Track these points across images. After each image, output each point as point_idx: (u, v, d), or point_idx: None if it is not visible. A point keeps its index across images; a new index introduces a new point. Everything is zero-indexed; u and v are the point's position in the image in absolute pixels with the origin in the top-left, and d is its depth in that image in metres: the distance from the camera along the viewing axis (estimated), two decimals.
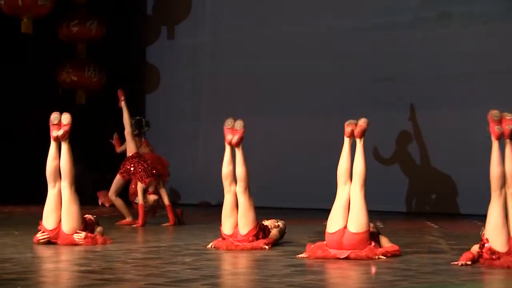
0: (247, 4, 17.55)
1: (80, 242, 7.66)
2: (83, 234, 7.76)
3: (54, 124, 8.16)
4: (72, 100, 17.23)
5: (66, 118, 8.18)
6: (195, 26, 18.41)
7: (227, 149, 7.93)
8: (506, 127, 6.50)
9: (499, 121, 6.56)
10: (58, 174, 8.04)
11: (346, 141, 7.29)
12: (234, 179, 7.89)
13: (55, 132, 8.07)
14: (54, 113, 8.25)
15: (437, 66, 15.25)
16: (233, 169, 7.94)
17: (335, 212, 6.85)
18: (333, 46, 16.34)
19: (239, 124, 7.94)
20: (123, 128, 11.34)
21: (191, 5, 18.48)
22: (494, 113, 6.59)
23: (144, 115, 13.94)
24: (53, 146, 8.13)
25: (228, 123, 8.00)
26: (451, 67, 15.13)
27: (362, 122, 7.27)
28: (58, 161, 8.05)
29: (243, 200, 7.70)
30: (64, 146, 8.07)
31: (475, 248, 6.37)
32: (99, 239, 7.88)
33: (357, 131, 7.21)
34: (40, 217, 8.05)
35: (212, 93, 18.17)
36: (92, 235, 7.87)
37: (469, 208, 14.59)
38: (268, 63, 17.09)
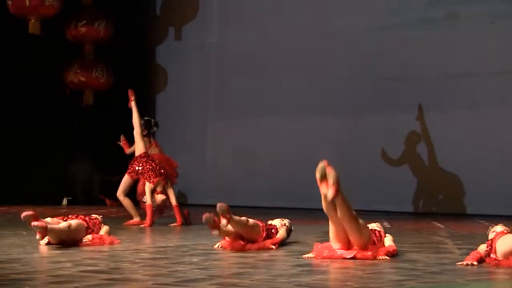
0: (253, 5, 17.59)
1: (88, 243, 7.68)
2: (90, 236, 7.78)
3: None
4: (80, 100, 17.27)
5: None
6: (202, 26, 18.45)
7: None
8: None
9: None
10: None
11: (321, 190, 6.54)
12: None
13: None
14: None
15: (444, 66, 15.27)
16: None
17: (333, 237, 6.72)
18: (341, 46, 16.37)
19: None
20: (131, 129, 11.34)
21: (198, 6, 18.53)
22: None
23: (154, 115, 13.97)
24: None
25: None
26: (458, 67, 15.13)
27: (333, 181, 6.42)
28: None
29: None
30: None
31: (482, 248, 6.37)
32: (106, 239, 7.88)
33: (330, 196, 6.35)
34: (45, 217, 8.01)
35: (219, 93, 18.20)
36: (98, 235, 7.87)
37: (476, 208, 14.60)
38: (274, 63, 17.12)
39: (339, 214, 6.54)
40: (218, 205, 7.11)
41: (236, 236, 7.43)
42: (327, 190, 6.30)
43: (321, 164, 6.56)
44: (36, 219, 7.10)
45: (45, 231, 7.16)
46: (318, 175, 6.41)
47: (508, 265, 6.08)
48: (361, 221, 6.64)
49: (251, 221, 7.60)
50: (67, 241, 7.58)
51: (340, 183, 6.39)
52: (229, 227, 7.31)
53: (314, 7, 16.68)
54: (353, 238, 6.64)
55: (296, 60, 16.85)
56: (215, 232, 7.06)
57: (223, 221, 7.08)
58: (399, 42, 15.68)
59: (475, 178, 14.90)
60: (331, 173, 6.49)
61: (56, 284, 5.11)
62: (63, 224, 7.57)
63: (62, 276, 5.46)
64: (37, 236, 7.40)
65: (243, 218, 7.53)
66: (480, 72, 14.95)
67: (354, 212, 6.60)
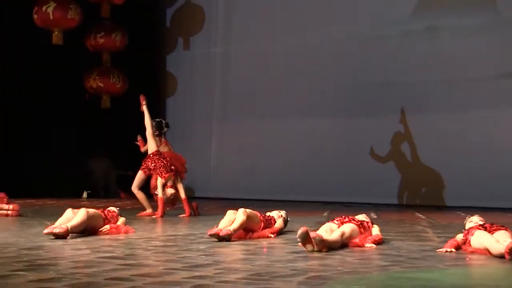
0: (255, 18, 17.58)
1: (106, 232, 7.68)
2: (108, 226, 7.78)
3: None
4: (98, 104, 17.28)
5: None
6: (208, 37, 18.45)
7: None
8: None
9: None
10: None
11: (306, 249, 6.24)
12: None
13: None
14: None
15: (425, 74, 15.29)
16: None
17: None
18: (333, 55, 16.39)
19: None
20: (144, 129, 11.37)
21: (205, 19, 18.52)
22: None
23: (164, 117, 13.98)
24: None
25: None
26: (438, 75, 15.17)
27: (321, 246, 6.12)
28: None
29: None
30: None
31: (459, 236, 6.38)
32: (122, 228, 7.89)
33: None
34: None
35: (224, 97, 18.21)
36: (115, 225, 7.88)
37: (454, 201, 14.64)
38: (274, 70, 17.14)
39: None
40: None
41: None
42: (312, 248, 6.10)
43: (301, 231, 6.07)
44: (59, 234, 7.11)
45: (67, 233, 7.17)
46: (300, 240, 6.06)
47: (481, 253, 6.09)
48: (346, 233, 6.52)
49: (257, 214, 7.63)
50: (87, 229, 7.59)
51: (324, 242, 6.06)
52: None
53: (309, 21, 16.68)
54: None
55: (294, 68, 16.87)
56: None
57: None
58: (384, 52, 15.69)
59: (453, 174, 14.93)
60: (317, 238, 6.07)
61: (76, 269, 5.11)
62: (81, 213, 7.53)
63: (82, 262, 5.47)
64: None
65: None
66: (458, 79, 14.96)
67: (343, 235, 6.46)
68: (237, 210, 7.37)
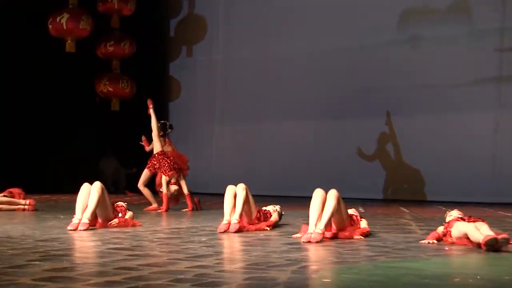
0: (253, 28, 17.59)
1: (115, 225, 7.68)
2: (116, 220, 7.78)
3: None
4: (108, 107, 17.28)
5: None
6: (210, 46, 18.45)
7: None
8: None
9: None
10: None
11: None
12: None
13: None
14: None
15: (408, 80, 15.32)
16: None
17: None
18: (324, 63, 16.42)
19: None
20: (150, 130, 11.37)
21: (207, 28, 18.52)
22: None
23: (168, 119, 13.97)
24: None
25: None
26: (420, 81, 15.20)
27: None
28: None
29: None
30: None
31: (440, 229, 6.38)
32: (130, 222, 7.88)
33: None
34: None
35: (224, 101, 18.20)
36: (123, 219, 7.87)
37: (434, 196, 14.66)
38: (270, 77, 17.18)
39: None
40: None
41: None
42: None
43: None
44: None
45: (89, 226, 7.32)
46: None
47: (460, 243, 6.09)
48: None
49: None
50: (98, 218, 7.63)
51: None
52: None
53: (303, 30, 16.69)
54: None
55: (288, 74, 16.87)
56: None
57: None
58: (372, 59, 15.70)
59: (434, 171, 14.94)
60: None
61: (88, 259, 5.11)
62: (93, 198, 7.54)
63: (93, 253, 5.46)
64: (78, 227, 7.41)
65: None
66: (437, 84, 14.98)
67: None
68: (236, 186, 7.43)
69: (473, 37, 14.83)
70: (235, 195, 7.37)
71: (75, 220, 7.32)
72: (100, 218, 7.72)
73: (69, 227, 7.20)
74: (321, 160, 15.93)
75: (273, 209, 8.00)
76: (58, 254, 5.21)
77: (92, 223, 7.46)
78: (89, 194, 7.55)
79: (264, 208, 7.96)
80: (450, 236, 6.20)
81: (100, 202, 7.56)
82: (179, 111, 18.54)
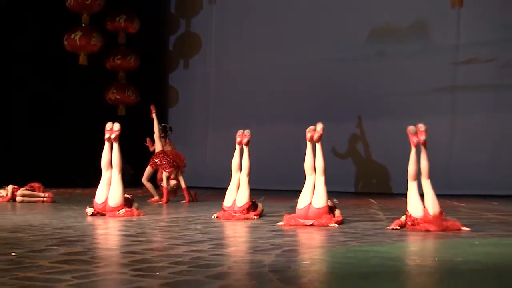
0: (242, 44, 17.62)
1: (122, 215, 7.68)
2: (123, 210, 7.79)
3: (108, 130, 8.15)
4: (115, 112, 17.26)
5: (116, 125, 8.26)
6: (203, 59, 18.47)
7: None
8: (420, 138, 6.50)
9: (416, 133, 6.54)
10: (109, 164, 8.04)
11: (308, 144, 7.10)
12: (240, 168, 8.15)
13: (108, 135, 8.06)
14: (108, 122, 8.26)
15: (376, 88, 15.36)
16: (239, 161, 8.21)
17: (304, 193, 6.87)
18: (303, 73, 16.47)
19: (247, 131, 8.41)
20: (153, 132, 11.39)
21: (201, 44, 18.53)
22: (410, 128, 6.56)
23: (167, 123, 13.96)
24: (106, 145, 8.12)
25: (240, 130, 8.36)
26: (386, 89, 15.23)
27: (320, 128, 7.13)
28: (110, 155, 8.06)
29: (244, 183, 7.88)
30: (115, 145, 8.09)
31: (403, 218, 6.41)
32: (135, 212, 7.89)
33: (315, 137, 7.07)
34: (92, 197, 8.07)
35: (217, 108, 18.21)
36: (129, 209, 7.88)
37: (399, 189, 14.63)
38: (256, 87, 17.19)
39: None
40: None
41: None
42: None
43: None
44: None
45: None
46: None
47: (420, 228, 6.14)
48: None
49: None
50: (109, 199, 7.68)
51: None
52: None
53: (287, 45, 16.72)
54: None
55: (273, 84, 16.89)
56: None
57: None
58: (344, 71, 15.74)
59: (398, 167, 14.89)
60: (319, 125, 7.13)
61: (99, 244, 5.10)
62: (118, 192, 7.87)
63: (103, 239, 5.46)
64: (87, 209, 7.60)
65: None
66: (400, 92, 15.04)
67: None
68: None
69: (430, 51, 14.90)
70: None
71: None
72: (111, 202, 7.83)
73: (88, 211, 7.80)
74: (301, 158, 15.90)
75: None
76: (73, 240, 5.21)
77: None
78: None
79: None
80: (411, 219, 6.27)
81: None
82: (177, 116, 18.51)
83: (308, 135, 7.07)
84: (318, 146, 6.99)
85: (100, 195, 7.89)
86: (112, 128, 8.11)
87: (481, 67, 14.42)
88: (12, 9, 15.89)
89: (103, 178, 7.99)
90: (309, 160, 6.99)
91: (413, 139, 6.51)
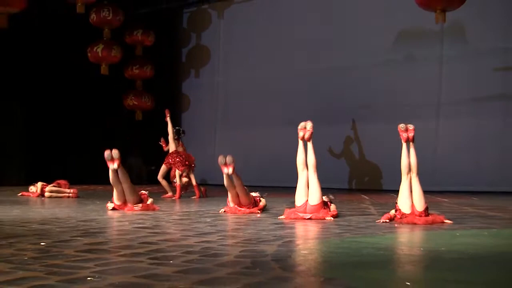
0: (247, 55, 17.62)
1: (139, 209, 7.69)
2: (140, 205, 7.79)
3: (108, 160, 7.82)
4: (133, 117, 17.31)
5: (116, 153, 7.83)
6: (212, 69, 18.49)
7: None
8: (409, 135, 6.56)
9: (405, 130, 6.58)
10: (118, 181, 7.87)
11: (300, 142, 6.99)
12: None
13: (111, 166, 7.77)
14: (106, 150, 7.80)
15: (370, 94, 15.32)
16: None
17: (299, 190, 6.80)
18: (303, 81, 16.44)
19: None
20: (167, 135, 11.40)
21: (210, 56, 18.55)
22: (401, 125, 6.59)
23: (181, 126, 13.98)
24: (111, 174, 7.88)
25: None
26: (379, 96, 15.20)
27: (309, 127, 6.98)
28: (117, 179, 7.84)
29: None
30: (120, 171, 7.87)
31: (392, 212, 6.40)
32: (151, 207, 7.89)
33: (306, 136, 6.94)
34: (112, 193, 8.04)
35: (224, 113, 18.23)
36: (145, 204, 7.89)
37: (389, 186, 14.66)
38: (261, 93, 17.17)
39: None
40: (220, 157, 7.33)
41: (236, 197, 7.43)
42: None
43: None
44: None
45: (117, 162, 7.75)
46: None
47: (407, 222, 6.13)
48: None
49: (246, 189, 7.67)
50: (127, 199, 7.66)
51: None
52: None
53: (288, 56, 16.71)
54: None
55: (276, 91, 16.87)
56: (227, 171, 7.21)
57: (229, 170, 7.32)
58: (336, 79, 15.72)
59: (389, 165, 14.92)
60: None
61: (118, 235, 5.11)
62: (131, 193, 7.81)
63: (122, 230, 5.46)
64: (108, 204, 7.56)
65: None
66: (391, 100, 15.01)
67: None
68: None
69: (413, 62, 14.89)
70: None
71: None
72: (130, 201, 7.79)
73: (109, 206, 7.80)
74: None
75: (256, 195, 8.00)
76: (95, 232, 5.21)
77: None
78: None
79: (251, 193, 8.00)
80: (400, 213, 6.26)
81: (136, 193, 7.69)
82: (189, 120, 18.53)
83: (300, 133, 6.96)
84: (309, 144, 6.89)
85: (119, 199, 7.82)
86: (112, 157, 7.82)
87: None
88: (43, 26, 16.00)
89: (118, 192, 7.85)
90: (300, 157, 6.88)
91: (403, 135, 6.55)
